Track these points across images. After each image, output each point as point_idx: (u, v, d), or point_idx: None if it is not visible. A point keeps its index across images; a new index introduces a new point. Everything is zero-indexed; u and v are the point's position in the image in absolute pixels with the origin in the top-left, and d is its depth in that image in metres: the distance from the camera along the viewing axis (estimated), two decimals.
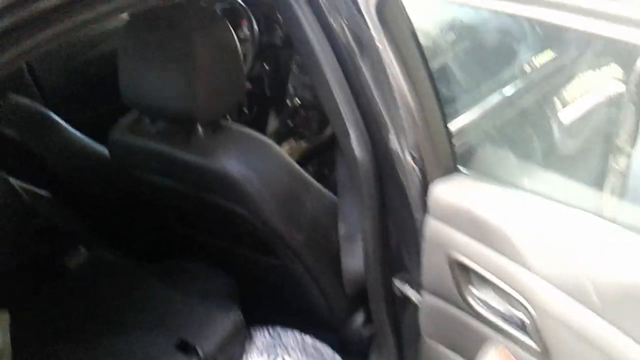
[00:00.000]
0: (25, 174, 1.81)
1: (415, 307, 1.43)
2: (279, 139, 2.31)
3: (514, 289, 0.98)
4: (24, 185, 1.82)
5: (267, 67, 2.38)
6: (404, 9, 0.91)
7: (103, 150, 1.74)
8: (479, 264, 1.04)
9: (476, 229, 1.02)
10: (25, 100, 1.84)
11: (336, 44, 1.21)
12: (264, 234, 1.38)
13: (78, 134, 1.80)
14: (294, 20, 1.20)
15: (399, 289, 1.43)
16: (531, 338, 0.99)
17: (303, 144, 2.28)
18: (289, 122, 2.34)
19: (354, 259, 1.49)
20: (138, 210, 1.72)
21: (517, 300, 0.98)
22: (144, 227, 1.77)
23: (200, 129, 1.32)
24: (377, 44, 1.01)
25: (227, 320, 1.36)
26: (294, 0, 1.19)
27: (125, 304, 1.45)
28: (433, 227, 1.10)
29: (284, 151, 2.28)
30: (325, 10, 1.19)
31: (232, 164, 1.28)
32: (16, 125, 1.75)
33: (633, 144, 2.70)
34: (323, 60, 1.21)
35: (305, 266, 1.46)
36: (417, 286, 1.41)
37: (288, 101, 2.31)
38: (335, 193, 1.53)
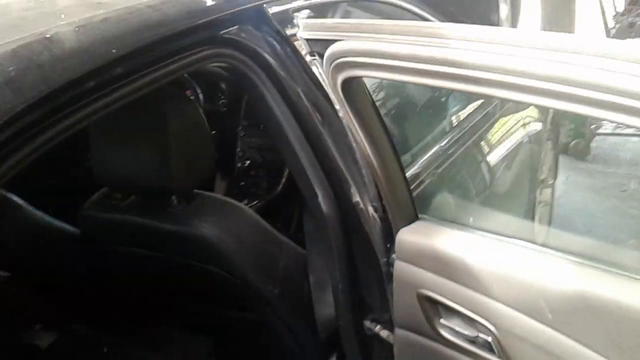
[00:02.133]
0: None
1: (384, 344, 1.56)
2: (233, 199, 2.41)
3: (478, 315, 1.14)
4: None
5: (214, 133, 2.50)
6: (365, 85, 1.07)
7: (66, 226, 1.79)
8: (446, 297, 1.18)
9: (441, 266, 1.17)
10: None
11: (297, 112, 1.36)
12: (241, 291, 1.47)
13: (39, 213, 1.82)
14: (257, 94, 1.34)
15: (369, 329, 1.56)
16: (497, 356, 1.14)
17: (257, 203, 2.39)
18: (242, 183, 2.45)
19: (326, 306, 1.60)
20: (107, 283, 1.76)
21: (483, 325, 1.14)
22: (114, 299, 1.81)
23: (175, 199, 1.42)
24: (341, 114, 1.16)
25: None
26: (255, 76, 1.32)
27: None
28: (402, 270, 1.25)
29: None
30: (284, 83, 1.33)
31: (209, 229, 1.38)
32: None
33: (554, 176, 3.02)
34: (287, 130, 1.35)
35: (280, 317, 1.56)
36: (386, 324, 1.54)
37: (239, 163, 2.42)
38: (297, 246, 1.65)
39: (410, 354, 1.35)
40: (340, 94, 1.05)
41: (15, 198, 1.81)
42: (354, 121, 1.10)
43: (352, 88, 1.05)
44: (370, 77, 1.03)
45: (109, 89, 0.97)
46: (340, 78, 1.02)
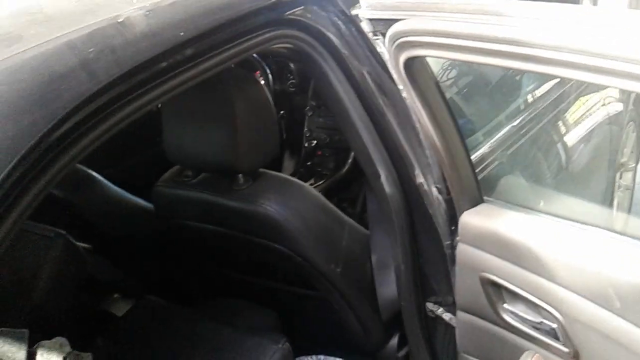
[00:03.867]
0: (69, 228, 1.95)
1: (446, 326, 1.55)
2: (300, 179, 2.44)
3: (543, 301, 1.11)
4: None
5: (282, 113, 2.54)
6: (428, 65, 1.06)
7: (141, 201, 1.88)
8: (509, 281, 1.16)
9: (506, 251, 1.15)
10: None
11: (361, 92, 1.35)
12: (304, 268, 1.50)
13: (117, 188, 1.92)
14: (322, 74, 1.34)
15: (431, 311, 1.55)
16: (562, 343, 1.11)
17: (323, 183, 2.41)
18: (308, 163, 2.48)
19: (388, 287, 1.61)
20: (178, 256, 1.85)
21: (547, 311, 1.11)
22: (184, 272, 1.89)
23: (241, 178, 1.46)
24: (404, 94, 1.15)
25: (277, 351, 1.47)
26: (320, 57, 1.33)
27: (179, 343, 1.56)
28: (465, 252, 1.23)
29: None
30: (349, 63, 1.33)
31: (273, 207, 1.41)
32: (60, 185, 1.88)
33: (637, 159, 2.86)
34: (351, 109, 1.35)
35: (343, 296, 1.58)
36: (448, 307, 1.53)
37: (306, 143, 2.45)
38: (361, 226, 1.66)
39: (472, 337, 1.33)
40: (403, 73, 1.04)
41: (95, 174, 1.91)
42: (417, 102, 1.08)
43: (414, 68, 1.03)
44: (433, 57, 1.01)
45: (177, 71, 1.01)
46: (403, 58, 1.01)
